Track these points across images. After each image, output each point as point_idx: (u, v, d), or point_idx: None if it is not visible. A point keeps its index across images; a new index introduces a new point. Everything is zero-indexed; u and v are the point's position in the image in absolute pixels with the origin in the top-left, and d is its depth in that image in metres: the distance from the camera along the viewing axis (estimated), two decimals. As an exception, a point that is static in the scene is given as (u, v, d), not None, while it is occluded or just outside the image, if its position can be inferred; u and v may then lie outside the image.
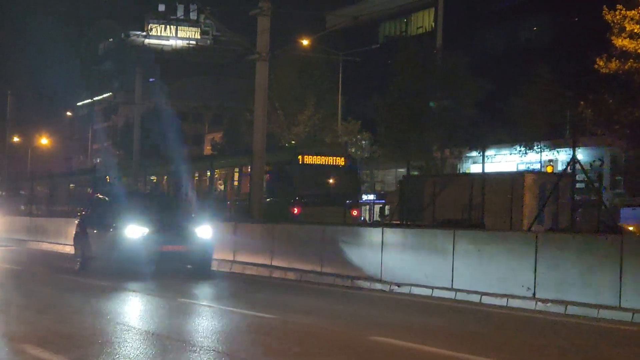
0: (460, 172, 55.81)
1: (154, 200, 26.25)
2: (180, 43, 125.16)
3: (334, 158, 38.21)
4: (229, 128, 75.11)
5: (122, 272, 21.34)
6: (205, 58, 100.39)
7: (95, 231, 23.35)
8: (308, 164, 37.30)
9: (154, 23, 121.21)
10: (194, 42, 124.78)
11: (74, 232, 25.44)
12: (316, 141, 51.29)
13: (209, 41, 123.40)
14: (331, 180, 37.86)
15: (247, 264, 24.64)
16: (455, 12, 66.86)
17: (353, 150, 56.07)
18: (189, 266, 22.35)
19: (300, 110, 56.10)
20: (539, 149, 50.33)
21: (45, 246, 36.52)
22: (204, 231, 22.25)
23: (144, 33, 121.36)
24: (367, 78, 62.97)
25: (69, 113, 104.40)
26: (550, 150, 50.76)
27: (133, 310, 15.92)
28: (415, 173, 50.75)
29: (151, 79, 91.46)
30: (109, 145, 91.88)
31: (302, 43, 51.45)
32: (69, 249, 31.68)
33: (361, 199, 64.69)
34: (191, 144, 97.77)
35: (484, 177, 35.80)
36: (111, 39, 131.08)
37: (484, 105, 49.41)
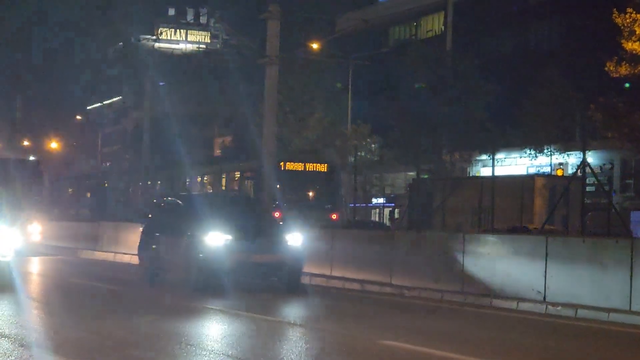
0: (470, 175, 55.80)
1: (236, 203, 22.90)
2: (190, 47, 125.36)
3: (315, 165, 38.56)
4: (238, 131, 75.15)
5: (199, 286, 18.71)
6: (215, 61, 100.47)
7: (166, 239, 20.56)
8: (290, 170, 37.60)
9: (164, 27, 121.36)
10: (204, 46, 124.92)
11: (139, 240, 22.35)
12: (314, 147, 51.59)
13: (218, 45, 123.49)
14: (312, 186, 38.24)
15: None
16: (465, 15, 66.83)
17: (362, 153, 56.01)
18: (273, 278, 19.78)
19: (310, 114, 56.12)
20: (549, 153, 50.28)
21: (99, 255, 32.47)
22: (295, 239, 19.46)
23: (154, 37, 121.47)
24: (377, 81, 62.92)
25: (78, 117, 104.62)
26: (560, 154, 50.71)
27: (216, 332, 13.51)
28: (425, 176, 50.76)
29: (161, 83, 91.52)
30: (118, 149, 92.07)
31: (311, 46, 51.44)
32: (128, 259, 29.00)
33: (370, 202, 64.72)
34: (201, 148, 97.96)
35: (494, 180, 35.82)
36: (121, 43, 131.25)
37: (493, 108, 49.38)
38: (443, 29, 70.32)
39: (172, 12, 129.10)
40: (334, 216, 37.52)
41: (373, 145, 58.39)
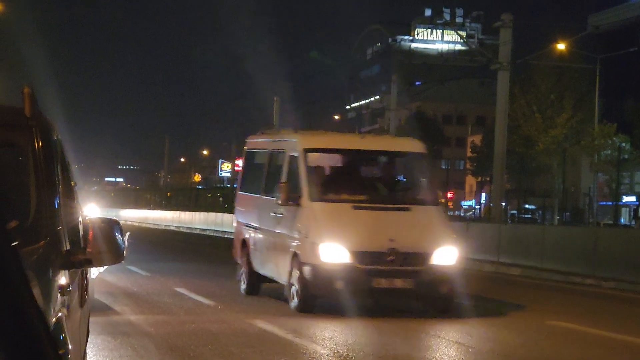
0: None
1: None
2: (445, 47, 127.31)
3: None
4: (488, 130, 76.41)
5: None
6: (469, 61, 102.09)
7: None
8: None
9: (420, 28, 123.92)
10: (459, 46, 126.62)
11: None
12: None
13: (474, 45, 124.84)
14: None
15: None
16: None
17: (609, 152, 56.13)
18: None
19: (557, 114, 56.83)
20: None
21: None
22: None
23: (411, 37, 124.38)
24: (626, 80, 62.62)
25: (336, 116, 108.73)
26: None
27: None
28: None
29: (417, 83, 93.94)
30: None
31: (557, 47, 52.10)
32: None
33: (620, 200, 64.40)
34: (454, 146, 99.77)
35: None
36: (379, 44, 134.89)
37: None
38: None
39: (428, 12, 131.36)
40: None
41: (623, 144, 58.34)
